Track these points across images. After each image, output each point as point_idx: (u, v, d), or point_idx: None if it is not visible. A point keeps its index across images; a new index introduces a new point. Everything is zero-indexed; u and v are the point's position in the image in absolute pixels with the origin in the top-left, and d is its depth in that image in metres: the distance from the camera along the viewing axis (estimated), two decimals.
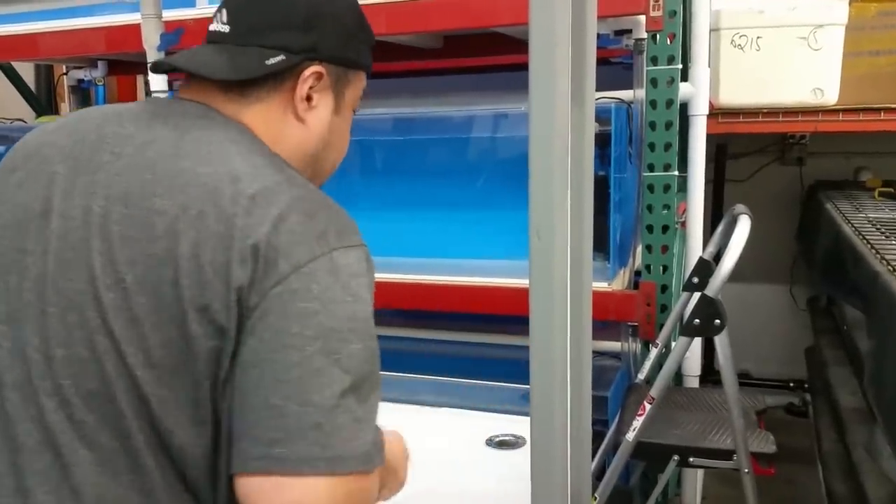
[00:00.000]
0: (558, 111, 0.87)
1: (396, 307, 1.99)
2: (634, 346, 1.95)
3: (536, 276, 0.89)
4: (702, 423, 1.57)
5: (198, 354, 0.72)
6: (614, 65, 2.05)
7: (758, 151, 3.01)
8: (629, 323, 1.91)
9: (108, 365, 0.72)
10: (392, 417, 1.37)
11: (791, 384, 3.17)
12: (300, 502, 0.69)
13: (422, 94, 2.34)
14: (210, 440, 0.74)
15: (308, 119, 0.87)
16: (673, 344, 1.86)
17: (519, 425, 1.40)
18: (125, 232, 0.74)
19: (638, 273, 1.93)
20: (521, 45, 2.04)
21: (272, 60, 0.84)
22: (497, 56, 2.24)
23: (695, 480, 2.15)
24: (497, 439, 1.35)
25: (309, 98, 0.86)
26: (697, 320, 1.37)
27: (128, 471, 0.73)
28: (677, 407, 1.65)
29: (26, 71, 3.16)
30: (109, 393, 0.72)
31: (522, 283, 1.81)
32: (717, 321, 1.36)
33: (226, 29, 0.87)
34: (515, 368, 2.06)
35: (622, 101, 1.95)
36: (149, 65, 0.88)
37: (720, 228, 1.64)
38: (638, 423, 1.45)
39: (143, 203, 0.75)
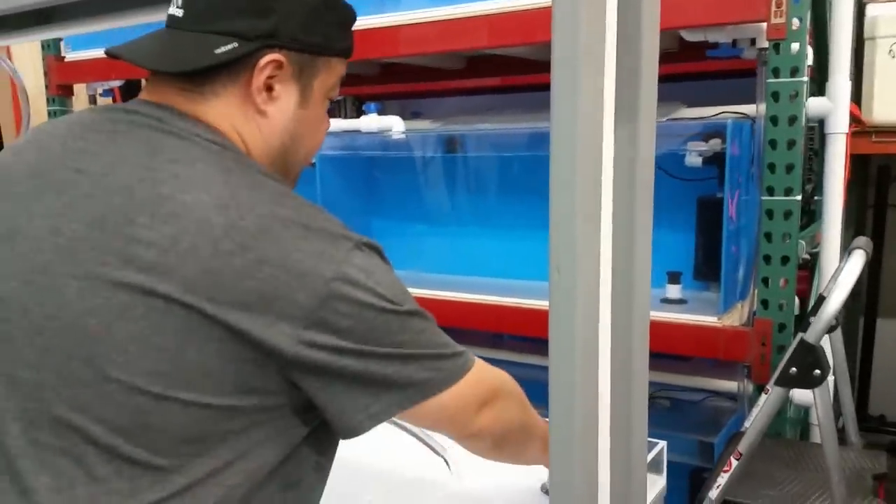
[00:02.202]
0: (583, 129, 0.77)
1: (474, 328, 1.92)
2: (749, 387, 1.75)
3: (556, 317, 0.80)
4: (805, 484, 1.37)
5: None
6: (753, 75, 1.87)
7: None
8: (743, 363, 1.72)
9: (86, 391, 0.70)
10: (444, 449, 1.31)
11: None
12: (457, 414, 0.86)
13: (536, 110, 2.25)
14: None
15: (269, 111, 0.81)
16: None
17: None
18: (102, 258, 0.70)
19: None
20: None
21: (222, 49, 0.76)
22: None
23: None
24: None
25: (270, 88, 0.80)
26: (794, 369, 1.19)
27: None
28: (781, 463, 1.46)
29: None
30: (80, 419, 0.70)
31: None
32: (818, 371, 1.17)
33: (179, 13, 0.80)
34: None
35: (745, 115, 1.77)
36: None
37: (842, 263, 1.43)
38: (723, 479, 1.29)
39: (123, 230, 0.71)
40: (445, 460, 1.23)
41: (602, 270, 0.86)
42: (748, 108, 1.78)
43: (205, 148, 0.76)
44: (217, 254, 0.69)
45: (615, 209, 0.88)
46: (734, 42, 1.64)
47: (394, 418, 1.23)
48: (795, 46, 1.51)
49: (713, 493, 1.30)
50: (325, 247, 0.73)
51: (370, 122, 1.99)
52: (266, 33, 0.78)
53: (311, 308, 0.71)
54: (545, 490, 1.24)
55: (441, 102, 2.58)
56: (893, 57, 1.97)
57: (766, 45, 1.56)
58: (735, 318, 1.73)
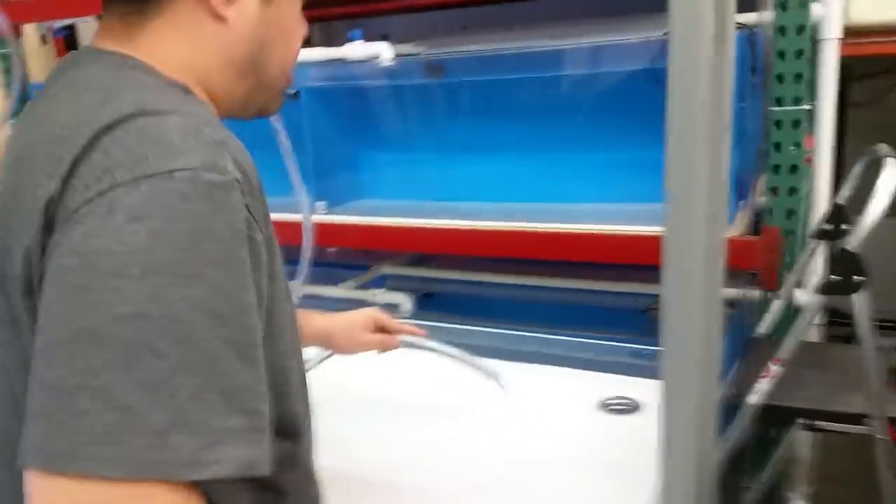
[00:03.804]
0: (703, 60, 0.76)
1: (505, 255, 1.91)
2: (753, 294, 1.82)
3: (673, 245, 0.80)
4: (829, 384, 1.44)
5: None
6: None
7: (885, 72, 2.74)
8: (748, 270, 1.77)
9: None
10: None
11: None
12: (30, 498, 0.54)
13: (512, 24, 2.20)
14: None
15: (229, 16, 0.69)
16: (796, 294, 1.72)
17: (632, 387, 1.32)
18: None
19: (758, 213, 1.79)
20: None
21: None
22: None
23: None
24: (610, 403, 1.28)
25: None
26: (836, 277, 1.24)
27: None
28: (801, 365, 1.53)
29: None
30: None
31: (622, 229, 1.72)
32: (859, 277, 1.22)
33: None
34: (611, 316, 1.98)
35: (744, 25, 1.77)
36: None
37: (857, 170, 1.48)
38: (763, 385, 1.34)
39: (1, 214, 0.64)
40: (498, 382, 1.23)
41: (707, 195, 0.87)
42: (744, 18, 1.79)
43: (85, 73, 0.67)
44: (28, 191, 0.60)
45: (712, 135, 0.89)
46: None
47: (435, 343, 1.23)
48: None
49: (753, 399, 1.36)
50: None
51: (356, 49, 1.91)
52: None
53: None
54: (602, 407, 1.28)
55: (406, 21, 2.49)
56: None
57: None
58: (740, 227, 1.77)
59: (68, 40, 2.58)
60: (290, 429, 0.71)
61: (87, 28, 2.58)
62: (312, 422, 0.81)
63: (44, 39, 2.47)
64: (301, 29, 0.78)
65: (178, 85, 0.67)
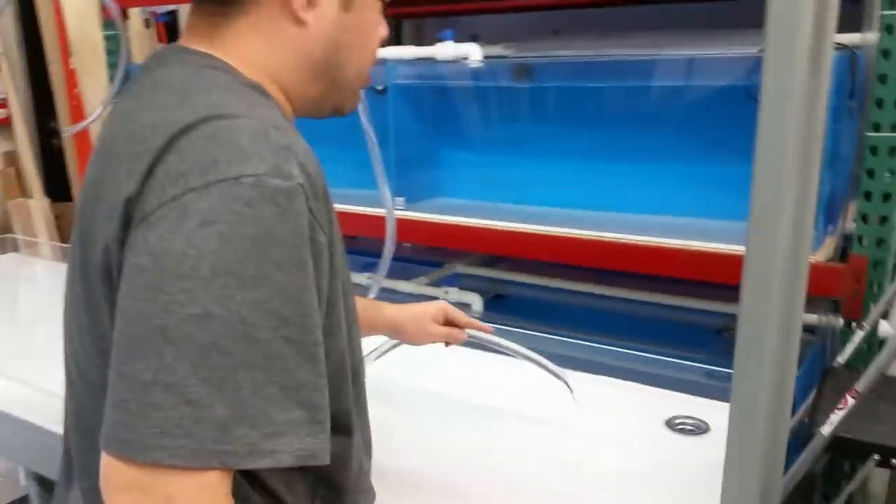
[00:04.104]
0: (798, 80, 0.75)
1: (580, 263, 1.90)
2: (835, 323, 1.76)
3: (753, 266, 0.79)
4: None
5: None
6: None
7: None
8: (831, 298, 1.72)
9: None
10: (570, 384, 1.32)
11: None
12: (102, 476, 0.59)
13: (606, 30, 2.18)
14: None
15: (309, 19, 0.71)
16: (881, 325, 1.66)
17: (702, 408, 1.30)
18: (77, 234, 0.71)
19: (846, 239, 1.73)
20: None
21: None
22: None
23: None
24: (678, 423, 1.26)
25: None
26: None
27: None
28: (881, 399, 1.47)
29: None
30: None
31: (699, 244, 1.69)
32: None
33: None
34: (684, 333, 1.94)
35: (844, 46, 1.71)
36: None
37: None
38: (837, 417, 1.30)
39: (88, 202, 0.69)
40: (568, 385, 1.23)
41: (793, 221, 0.85)
42: (845, 38, 1.73)
43: (167, 73, 0.70)
44: (113, 190, 0.64)
45: (802, 160, 0.86)
46: None
47: (503, 340, 1.24)
48: None
49: (825, 430, 1.31)
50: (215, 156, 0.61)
51: (446, 49, 1.93)
52: None
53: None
54: (669, 426, 1.26)
55: (497, 22, 2.50)
56: None
57: None
58: (826, 253, 1.72)
59: (169, 25, 2.71)
60: (343, 425, 0.74)
61: (187, 14, 2.70)
62: (367, 419, 0.83)
63: (147, 23, 2.60)
64: (379, 33, 0.80)
65: (254, 85, 0.71)
